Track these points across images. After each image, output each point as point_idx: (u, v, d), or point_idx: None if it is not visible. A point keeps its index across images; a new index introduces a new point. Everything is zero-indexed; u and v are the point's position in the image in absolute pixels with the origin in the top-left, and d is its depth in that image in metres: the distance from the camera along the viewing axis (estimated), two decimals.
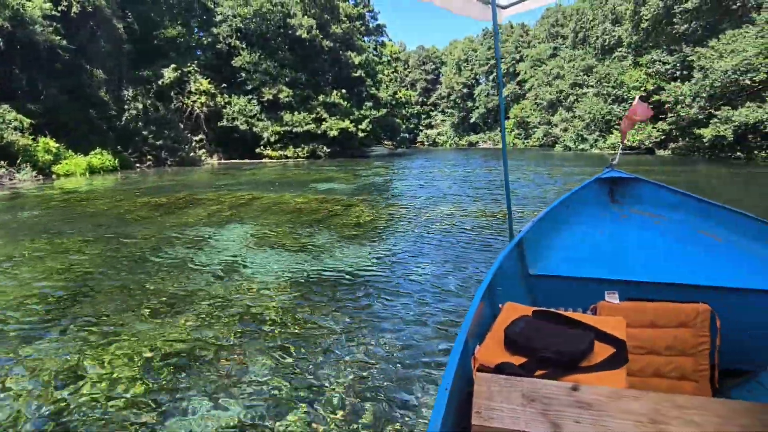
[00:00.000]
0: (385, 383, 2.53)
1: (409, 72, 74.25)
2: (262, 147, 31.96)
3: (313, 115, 32.56)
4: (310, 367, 2.74)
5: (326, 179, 16.27)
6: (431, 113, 73.38)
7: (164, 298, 3.97)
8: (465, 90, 66.00)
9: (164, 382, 2.62)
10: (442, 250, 5.61)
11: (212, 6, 31.55)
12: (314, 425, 2.19)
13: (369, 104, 36.22)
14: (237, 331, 3.28)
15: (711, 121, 22.52)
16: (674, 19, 27.90)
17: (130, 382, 2.62)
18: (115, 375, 2.70)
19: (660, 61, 29.22)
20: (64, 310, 3.79)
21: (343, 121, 33.07)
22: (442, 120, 71.71)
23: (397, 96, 42.89)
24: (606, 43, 37.95)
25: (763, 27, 20.49)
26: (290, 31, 31.51)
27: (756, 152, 21.05)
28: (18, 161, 17.73)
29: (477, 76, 65.60)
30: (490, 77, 62.57)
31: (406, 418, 2.22)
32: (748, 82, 20.69)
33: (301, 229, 7.03)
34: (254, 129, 31.29)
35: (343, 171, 20.39)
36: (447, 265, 4.93)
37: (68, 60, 21.13)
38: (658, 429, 0.93)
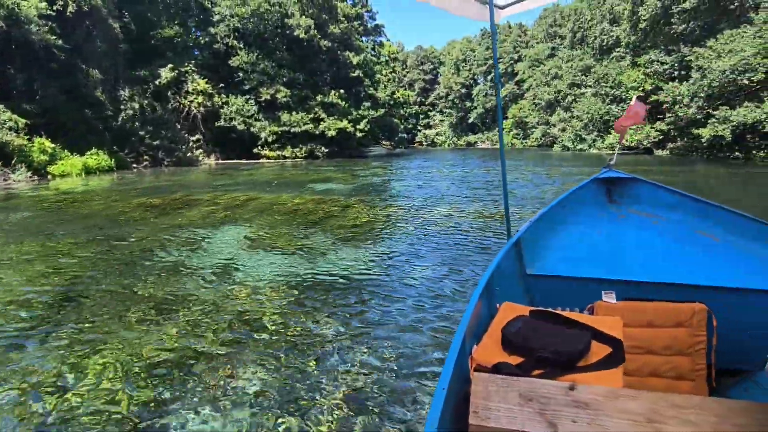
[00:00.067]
0: (378, 395, 2.44)
1: (408, 72, 74.22)
2: (259, 147, 31.86)
3: (311, 115, 32.48)
4: (302, 378, 2.64)
5: (324, 179, 16.19)
6: (429, 113, 73.35)
7: (154, 304, 3.87)
8: (463, 90, 65.99)
9: (150, 393, 2.52)
10: (439, 251, 5.54)
11: (210, 6, 31.43)
12: None
13: (367, 104, 36.14)
14: (227, 338, 3.18)
15: (709, 121, 22.50)
16: (672, 19, 27.90)
17: (115, 394, 2.52)
18: (98, 386, 2.61)
19: (658, 61, 29.22)
20: (48, 316, 3.68)
21: (341, 121, 32.99)
22: (441, 120, 71.69)
23: (395, 96, 42.84)
24: (604, 43, 37.96)
25: (761, 27, 20.49)
26: (288, 31, 31.42)
27: (754, 152, 21.05)
28: (13, 162, 17.61)
29: (475, 76, 65.59)
30: (489, 77, 62.56)
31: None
32: (747, 82, 20.69)
33: (297, 231, 6.94)
34: (252, 129, 31.19)
35: (341, 171, 20.30)
36: (444, 267, 4.85)
37: (64, 60, 21.01)
38: (655, 428, 0.93)
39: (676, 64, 27.97)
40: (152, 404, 2.42)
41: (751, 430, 0.92)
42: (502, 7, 3.22)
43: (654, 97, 27.57)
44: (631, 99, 3.10)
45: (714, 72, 21.78)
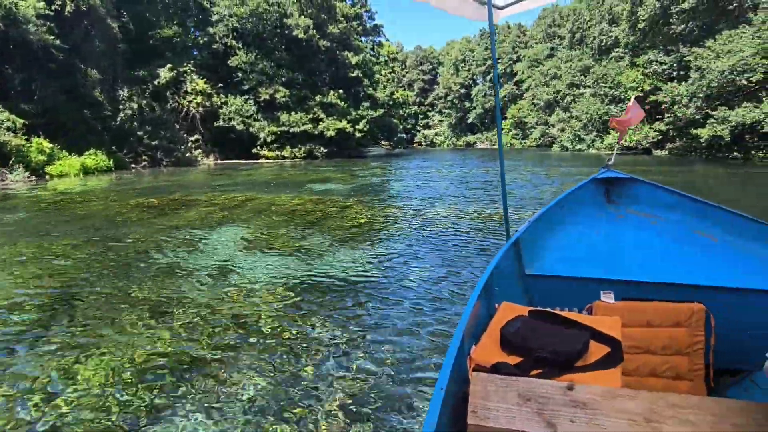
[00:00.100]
0: (374, 402, 2.41)
1: (407, 72, 74.19)
2: (258, 147, 31.82)
3: (310, 116, 32.44)
4: (297, 383, 2.61)
5: (322, 180, 16.15)
6: (428, 113, 73.31)
7: (148, 307, 3.83)
8: (462, 90, 65.98)
9: (142, 400, 2.49)
10: (438, 253, 5.51)
11: (208, 5, 31.37)
12: None
13: (366, 104, 36.10)
14: (222, 343, 3.14)
15: (708, 122, 22.52)
16: (671, 20, 27.92)
17: (105, 400, 2.48)
18: (88, 392, 2.56)
19: (657, 61, 29.24)
20: (38, 320, 3.63)
21: (340, 121, 32.95)
22: (440, 120, 71.67)
23: (394, 96, 42.80)
24: (603, 44, 37.98)
25: (759, 27, 20.51)
26: (287, 31, 31.38)
27: (753, 152, 21.07)
28: (10, 162, 17.54)
29: (474, 77, 65.58)
30: (488, 77, 62.56)
31: None
32: (745, 82, 20.71)
33: (295, 232, 6.91)
34: (251, 129, 31.14)
35: (340, 171, 20.27)
36: (443, 269, 4.82)
37: (62, 60, 20.94)
38: (653, 428, 0.93)
39: (674, 65, 27.98)
40: (144, 411, 2.38)
41: (749, 429, 0.92)
42: (501, 8, 3.22)
43: (653, 98, 27.60)
44: (629, 99, 3.09)
45: (713, 72, 21.80)
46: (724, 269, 2.05)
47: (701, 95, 23.20)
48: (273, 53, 31.90)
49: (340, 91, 34.14)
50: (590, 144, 35.62)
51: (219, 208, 9.46)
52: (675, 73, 27.88)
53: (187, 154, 28.65)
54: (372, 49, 43.43)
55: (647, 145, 29.15)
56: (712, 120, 22.08)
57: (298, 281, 4.44)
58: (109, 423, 2.29)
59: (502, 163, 3.19)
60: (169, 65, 28.21)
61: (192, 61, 30.27)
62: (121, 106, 25.19)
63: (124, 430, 2.24)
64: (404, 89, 58.44)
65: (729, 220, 2.19)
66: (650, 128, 28.42)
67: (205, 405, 2.42)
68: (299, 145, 32.34)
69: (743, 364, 1.85)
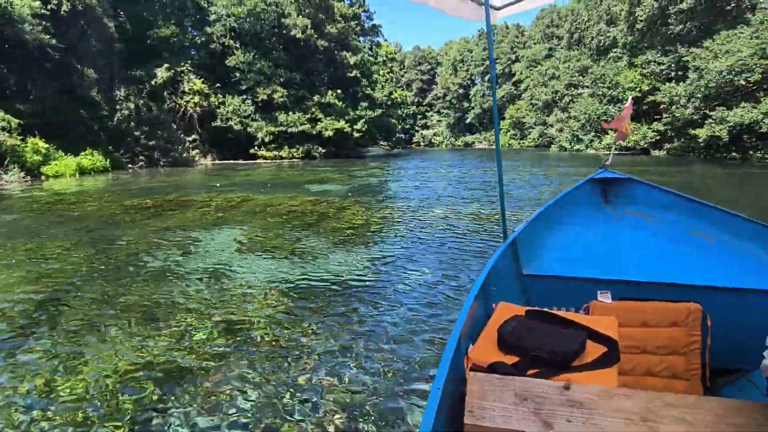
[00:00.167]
0: (368, 414, 2.33)
1: (405, 72, 74.16)
2: (256, 147, 31.72)
3: (308, 116, 32.36)
4: (290, 394, 2.53)
5: (320, 180, 16.08)
6: (427, 114, 73.30)
7: (137, 313, 3.73)
8: (461, 90, 65.98)
9: (126, 412, 2.40)
10: (435, 255, 5.44)
11: (206, 5, 31.26)
12: None
13: (364, 104, 36.03)
14: (213, 351, 3.05)
15: (706, 122, 22.53)
16: (669, 20, 27.94)
17: (87, 413, 2.39)
18: (68, 405, 2.46)
19: (655, 61, 29.25)
20: (21, 327, 3.52)
21: (339, 121, 32.88)
22: (438, 120, 71.65)
23: (392, 96, 42.74)
24: (601, 44, 37.99)
25: (757, 27, 20.52)
26: (285, 31, 31.30)
27: (751, 152, 21.08)
28: (5, 162, 17.41)
29: (473, 77, 65.59)
30: (486, 78, 62.58)
31: None
32: (743, 83, 20.72)
33: (291, 234, 6.83)
34: (248, 129, 31.04)
35: (338, 172, 20.19)
36: (439, 272, 4.75)
37: (58, 59, 20.81)
38: (650, 427, 0.93)
39: (673, 65, 28.00)
40: (128, 424, 2.29)
41: (745, 428, 0.92)
42: (499, 8, 3.20)
43: (651, 98, 27.62)
44: (627, 100, 3.06)
45: (711, 72, 21.81)
46: (721, 269, 2.06)
47: (699, 95, 23.21)
48: (271, 53, 31.80)
49: (339, 91, 34.07)
50: (588, 144, 35.64)
51: (215, 209, 9.37)
52: (673, 74, 27.90)
53: (185, 155, 28.53)
54: (370, 49, 43.37)
55: (645, 146, 29.15)
56: (711, 120, 22.09)
57: (292, 285, 4.37)
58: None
59: (500, 164, 3.17)
60: (166, 65, 28.09)
61: (189, 61, 30.15)
62: (117, 106, 25.07)
63: None
64: (403, 89, 58.40)
65: (725, 221, 2.21)
66: (648, 128, 28.43)
67: (192, 417, 2.33)
68: (297, 146, 32.26)
69: (739, 364, 1.85)
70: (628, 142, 29.49)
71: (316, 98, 32.92)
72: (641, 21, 30.13)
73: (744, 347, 1.75)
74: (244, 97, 31.44)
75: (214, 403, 2.44)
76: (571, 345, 1.25)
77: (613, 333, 1.34)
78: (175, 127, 29.12)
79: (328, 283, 4.40)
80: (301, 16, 31.48)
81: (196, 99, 29.51)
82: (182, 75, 29.28)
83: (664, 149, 27.95)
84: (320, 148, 32.86)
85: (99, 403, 2.46)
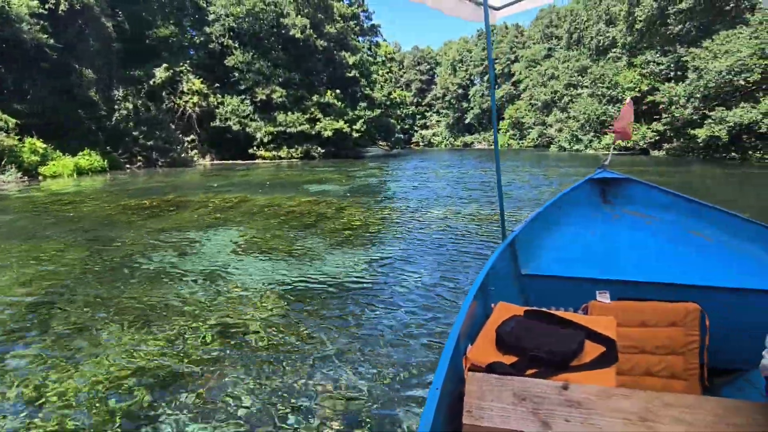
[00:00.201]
0: (365, 420, 2.28)
1: (404, 72, 74.12)
2: (255, 147, 31.65)
3: (307, 116, 32.30)
4: (286, 398, 2.48)
5: (319, 181, 16.02)
6: (426, 114, 73.27)
7: (132, 315, 3.68)
8: (460, 90, 65.96)
9: (123, 413, 2.35)
10: (433, 257, 5.39)
11: (205, 5, 31.19)
12: None
13: (363, 105, 35.98)
14: (208, 355, 2.99)
15: (705, 122, 22.51)
16: (668, 20, 27.93)
17: (78, 421, 2.33)
18: (58, 413, 2.40)
19: (654, 61, 29.24)
20: (17, 329, 3.46)
21: (338, 121, 32.83)
22: (437, 120, 71.62)
23: (391, 96, 42.68)
24: (600, 44, 37.99)
25: (756, 28, 20.51)
26: (283, 31, 31.23)
27: (750, 153, 21.07)
28: (2, 162, 17.34)
29: (472, 77, 65.57)
30: (485, 78, 62.56)
31: None
32: (743, 83, 20.70)
33: (289, 235, 6.78)
34: (247, 129, 30.97)
35: (337, 172, 20.14)
36: (438, 273, 4.71)
37: (56, 59, 20.74)
38: (648, 427, 0.93)
39: (672, 65, 27.99)
40: (128, 423, 2.24)
41: (743, 428, 0.92)
42: (497, 8, 3.18)
43: (650, 98, 27.60)
44: (625, 100, 3.05)
45: (710, 73, 21.79)
46: (719, 269, 2.06)
47: (699, 95, 23.20)
48: (270, 53, 31.74)
49: (338, 91, 34.01)
50: (588, 144, 35.62)
51: (212, 210, 9.32)
52: (672, 74, 27.89)
53: (183, 155, 28.45)
54: (369, 49, 43.31)
55: (644, 146, 29.14)
56: (710, 120, 22.07)
57: (289, 287, 4.31)
58: None
59: (498, 164, 3.15)
60: (165, 65, 28.01)
61: (188, 61, 30.07)
62: (116, 106, 24.98)
63: None
64: (402, 89, 58.35)
65: (723, 221, 2.21)
66: (647, 129, 28.41)
67: (184, 424, 2.28)
68: (296, 146, 32.19)
69: (737, 364, 1.85)
70: (627, 143, 29.46)
71: (315, 98, 32.87)
72: (640, 21, 30.13)
73: (742, 347, 1.74)
74: (243, 97, 31.37)
75: (207, 410, 2.38)
76: (569, 345, 1.25)
77: (611, 333, 1.34)
78: (173, 127, 29.05)
79: (326, 285, 4.35)
80: (300, 16, 31.43)
81: (195, 99, 29.44)
82: (181, 75, 29.21)
83: (663, 149, 27.94)
84: (319, 149, 32.80)
85: (88, 410, 2.40)
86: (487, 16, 2.91)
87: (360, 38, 41.47)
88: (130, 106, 25.75)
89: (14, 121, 18.33)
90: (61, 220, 8.45)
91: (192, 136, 30.41)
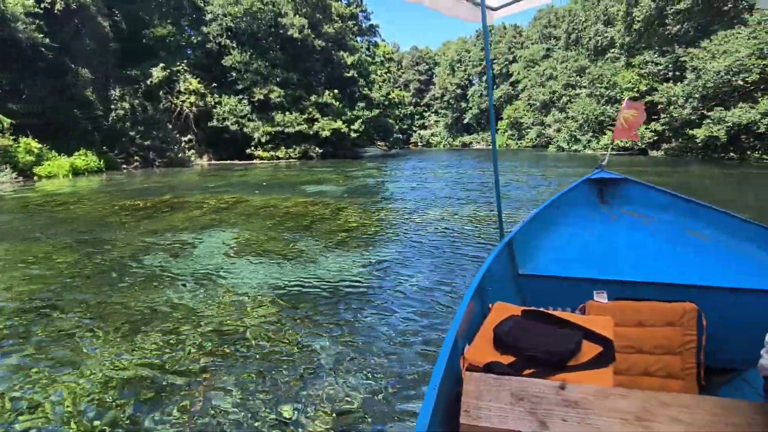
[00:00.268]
0: (363, 424, 2.21)
1: (403, 72, 74.06)
2: (252, 148, 31.54)
3: (305, 116, 32.20)
4: (283, 403, 2.40)
5: (317, 181, 15.93)
6: (425, 114, 73.22)
7: (124, 318, 3.59)
8: (458, 91, 65.94)
9: (108, 426, 2.26)
10: (431, 259, 5.31)
11: (202, 4, 31.07)
12: None
13: (362, 105, 35.90)
14: (201, 360, 2.90)
15: (704, 122, 22.50)
16: (666, 20, 27.92)
17: (68, 427, 2.25)
18: (46, 421, 2.31)
19: (652, 62, 29.23)
20: (8, 332, 3.36)
21: (336, 121, 32.74)
22: (436, 121, 71.59)
23: (390, 96, 42.62)
24: (598, 44, 37.98)
25: (755, 28, 20.50)
26: (281, 31, 31.13)
27: (749, 153, 21.06)
28: None
29: (470, 77, 65.56)
30: (484, 78, 62.54)
31: None
32: (741, 83, 20.69)
33: (285, 236, 6.69)
34: (245, 129, 30.85)
35: (335, 172, 20.05)
36: (436, 276, 4.62)
37: (52, 58, 20.60)
38: (645, 427, 0.93)
39: (670, 65, 27.98)
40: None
41: (740, 428, 0.92)
42: (495, 9, 3.17)
43: (649, 98, 27.55)
44: (623, 101, 3.03)
45: (708, 73, 21.77)
46: (716, 269, 2.07)
47: (697, 96, 23.18)
48: (267, 53, 31.63)
49: (336, 91, 33.92)
50: (586, 144, 35.60)
51: (208, 211, 9.22)
52: (671, 74, 27.88)
53: (180, 155, 28.33)
54: (368, 49, 43.24)
55: (643, 146, 29.13)
56: (708, 120, 22.06)
57: (283, 292, 4.22)
58: None
59: (496, 164, 3.13)
60: (162, 64, 27.88)
61: (185, 61, 29.95)
62: (112, 106, 24.85)
63: None
64: (400, 89, 58.30)
65: (721, 221, 2.22)
66: (646, 129, 28.38)
67: (181, 427, 2.19)
68: (294, 146, 32.09)
69: (735, 364, 1.85)
70: (626, 143, 29.46)
71: (313, 98, 32.77)
72: (638, 21, 30.11)
73: (739, 347, 1.75)
74: (241, 97, 31.25)
75: (193, 424, 2.28)
76: (566, 345, 1.25)
77: (608, 333, 1.34)
78: (170, 127, 28.91)
79: (320, 290, 4.25)
80: (298, 16, 31.33)
81: (192, 99, 29.31)
82: (178, 75, 29.08)
83: (661, 149, 27.93)
84: (317, 149, 32.71)
85: (66, 426, 2.30)
86: (484, 17, 2.90)
87: (358, 38, 41.39)
88: (127, 106, 25.61)
89: (9, 121, 18.20)
90: (52, 221, 8.34)
91: (189, 136, 30.28)
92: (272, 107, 31.48)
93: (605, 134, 33.27)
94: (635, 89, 29.30)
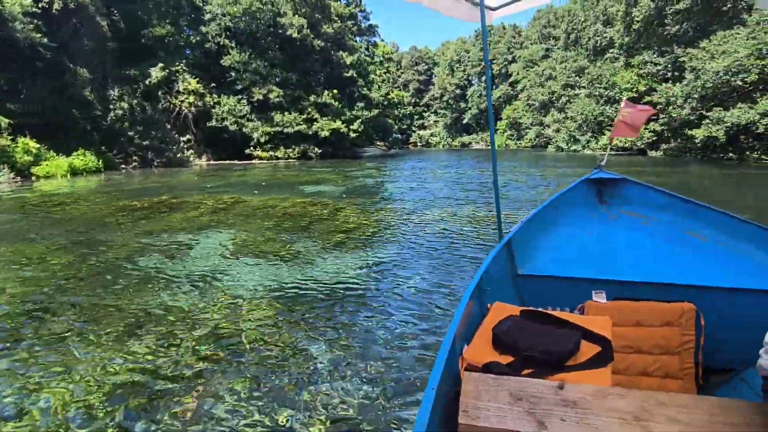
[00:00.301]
0: (360, 428, 2.17)
1: (402, 73, 74.04)
2: (252, 148, 31.48)
3: (304, 116, 32.15)
4: (280, 407, 2.37)
5: (315, 181, 15.89)
6: (424, 114, 73.20)
7: (119, 320, 3.55)
8: (457, 91, 65.93)
9: (101, 428, 2.23)
10: (430, 260, 5.28)
11: (201, 4, 31.00)
12: None
13: (361, 105, 35.86)
14: (196, 365, 2.86)
15: (703, 122, 22.51)
16: (665, 21, 27.93)
17: (63, 429, 2.21)
18: (44, 419, 2.28)
19: (651, 62, 29.24)
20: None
21: (335, 121, 32.70)
22: (435, 121, 71.58)
23: (389, 96, 42.59)
24: (598, 45, 37.99)
25: (754, 28, 20.50)
26: (280, 31, 31.08)
27: (748, 153, 21.06)
28: None
29: (469, 77, 65.55)
30: (483, 78, 62.52)
31: None
32: (740, 83, 20.69)
33: (283, 237, 6.66)
34: (244, 129, 30.80)
35: (334, 172, 20.01)
36: (434, 277, 4.59)
37: (50, 58, 20.54)
38: (643, 426, 0.93)
39: (669, 65, 27.99)
40: None
41: (738, 427, 0.92)
42: (494, 9, 3.16)
43: (647, 98, 27.56)
44: (622, 101, 3.04)
45: (707, 73, 21.77)
46: (715, 269, 2.07)
47: (696, 96, 23.19)
48: (266, 53, 31.58)
49: (335, 91, 33.88)
50: (585, 145, 35.61)
51: (206, 212, 9.18)
52: (670, 74, 27.89)
53: (179, 155, 28.28)
54: (367, 49, 43.20)
55: (642, 146, 29.14)
56: (707, 121, 22.07)
57: (280, 294, 4.18)
58: None
59: (495, 165, 3.12)
60: (160, 64, 27.81)
61: (184, 61, 29.90)
62: (111, 106, 24.78)
63: None
64: (399, 89, 58.30)
65: (719, 221, 2.23)
66: (645, 129, 28.37)
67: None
68: (293, 146, 32.04)
69: (733, 363, 1.85)
70: (625, 143, 29.46)
71: (312, 98, 32.73)
72: (638, 21, 30.12)
73: (737, 347, 1.75)
74: (240, 97, 31.20)
75: (199, 419, 2.25)
76: (565, 345, 1.25)
77: (607, 333, 1.34)
78: (169, 127, 28.85)
79: (318, 293, 4.22)
80: (297, 16, 31.28)
81: (191, 99, 29.25)
82: (177, 74, 29.02)
83: (660, 150, 27.93)
84: (316, 149, 32.66)
85: (75, 420, 2.27)
86: (483, 17, 2.89)
87: (357, 38, 41.35)
88: (126, 106, 25.55)
89: (7, 120, 18.14)
90: (48, 222, 8.30)
91: (188, 136, 30.22)
92: (271, 107, 31.44)
93: (604, 134, 33.28)
94: (634, 89, 29.31)
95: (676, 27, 27.26)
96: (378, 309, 3.76)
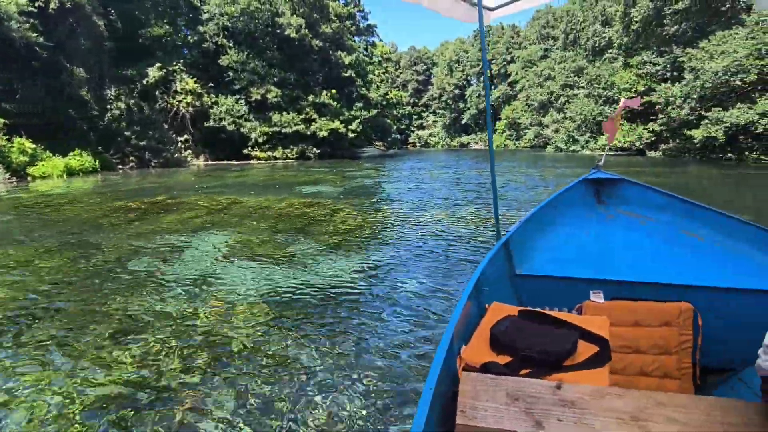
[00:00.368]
0: None
1: (401, 73, 74.00)
2: (250, 148, 31.38)
3: (303, 116, 32.07)
4: (274, 416, 2.28)
5: (313, 181, 15.80)
6: (423, 114, 73.17)
7: (109, 325, 3.45)
8: (456, 91, 65.91)
9: None
10: (428, 262, 5.19)
11: (199, 4, 30.89)
12: None
13: (359, 105, 35.79)
14: (188, 372, 2.76)
15: (702, 123, 22.48)
16: (664, 21, 27.91)
17: None
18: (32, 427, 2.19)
19: (650, 62, 29.22)
20: None
21: (333, 121, 32.62)
22: (434, 121, 71.55)
23: (388, 96, 42.53)
24: (596, 45, 37.98)
25: (753, 28, 20.47)
26: (278, 30, 30.99)
27: (747, 153, 21.04)
28: None
29: (468, 77, 65.54)
30: (482, 78, 62.50)
31: None
32: (739, 83, 20.67)
33: (280, 239, 6.56)
34: (242, 129, 30.70)
35: (332, 173, 19.92)
36: (433, 280, 4.51)
37: (46, 58, 20.41)
38: (641, 426, 0.93)
39: (668, 66, 27.97)
40: None
41: (736, 427, 0.92)
42: (492, 9, 3.15)
43: (646, 99, 27.54)
44: (620, 102, 3.05)
45: (706, 73, 21.74)
46: (713, 269, 2.07)
47: (695, 96, 23.16)
48: (265, 53, 31.48)
49: (333, 91, 33.80)
50: (584, 145, 35.59)
51: (202, 213, 9.08)
52: (668, 74, 27.88)
53: (177, 155, 28.14)
54: (365, 49, 43.13)
55: (641, 146, 29.12)
56: (706, 121, 22.04)
57: (275, 299, 4.09)
58: None
59: (493, 165, 3.08)
60: (158, 64, 27.69)
61: (182, 60, 29.78)
62: (108, 106, 24.65)
63: None
64: (398, 90, 58.25)
65: (717, 221, 2.23)
66: (644, 129, 28.38)
67: None
68: (291, 146, 31.95)
69: (730, 363, 1.85)
70: (624, 143, 29.43)
71: (310, 98, 32.64)
72: (636, 22, 30.11)
73: (735, 347, 1.75)
74: (238, 96, 31.10)
75: (189, 428, 2.16)
76: (563, 345, 1.25)
77: (605, 333, 1.34)
78: (166, 127, 28.73)
79: (313, 297, 4.12)
80: (295, 16, 31.19)
81: (189, 99, 29.14)
82: (174, 74, 28.90)
83: (659, 150, 27.91)
84: (315, 149, 32.58)
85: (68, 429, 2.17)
86: (481, 17, 2.86)
87: (356, 38, 41.28)
88: (123, 106, 25.42)
89: (3, 120, 18.02)
90: (40, 223, 8.19)
91: (186, 137, 30.10)
92: (269, 107, 31.34)
93: (603, 134, 33.24)
94: (633, 89, 29.30)
95: (675, 27, 27.24)
96: (373, 315, 3.67)
